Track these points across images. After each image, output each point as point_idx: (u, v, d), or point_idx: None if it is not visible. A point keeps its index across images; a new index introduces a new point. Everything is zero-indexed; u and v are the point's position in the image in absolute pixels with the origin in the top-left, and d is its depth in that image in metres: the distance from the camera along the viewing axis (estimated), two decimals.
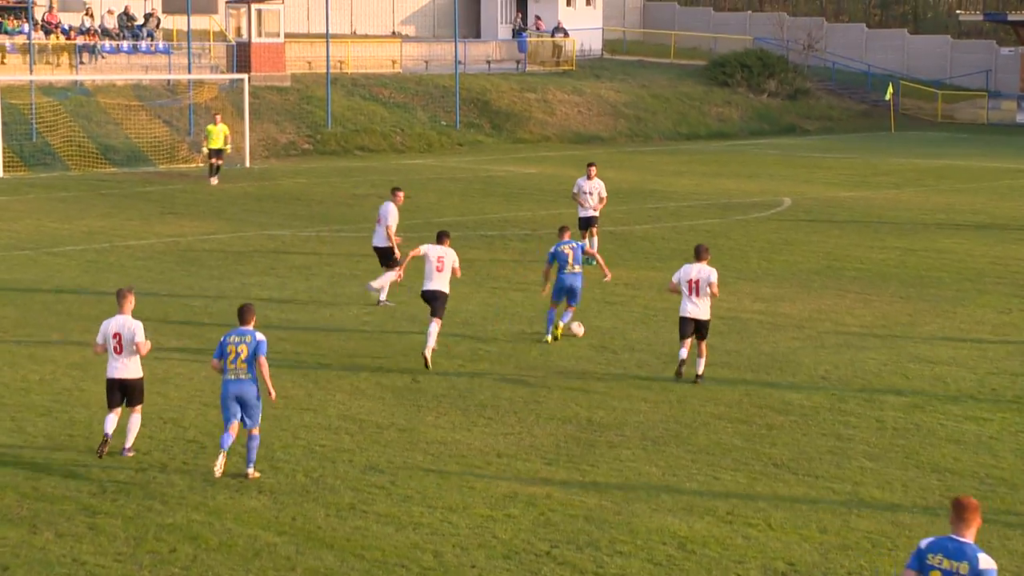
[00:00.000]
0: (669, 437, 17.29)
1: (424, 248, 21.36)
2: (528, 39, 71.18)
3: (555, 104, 64.48)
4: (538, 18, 73.38)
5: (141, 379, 16.33)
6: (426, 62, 66.75)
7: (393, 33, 73.56)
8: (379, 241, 25.50)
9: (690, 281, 19.88)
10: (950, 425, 17.84)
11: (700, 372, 19.92)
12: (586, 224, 29.93)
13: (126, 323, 16.29)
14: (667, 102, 67.94)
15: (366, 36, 70.28)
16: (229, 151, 45.40)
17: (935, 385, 19.84)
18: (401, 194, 25.94)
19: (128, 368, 16.20)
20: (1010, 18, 74.25)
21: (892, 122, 69.23)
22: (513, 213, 38.23)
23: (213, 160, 44.32)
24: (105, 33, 56.88)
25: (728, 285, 27.57)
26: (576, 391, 19.44)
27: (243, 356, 15.36)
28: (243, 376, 15.40)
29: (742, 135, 66.42)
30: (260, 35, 58.03)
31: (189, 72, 54.83)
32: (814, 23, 79.55)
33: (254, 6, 57.98)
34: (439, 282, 21.26)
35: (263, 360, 15.40)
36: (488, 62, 68.93)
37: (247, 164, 50.27)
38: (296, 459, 16.26)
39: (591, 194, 30.04)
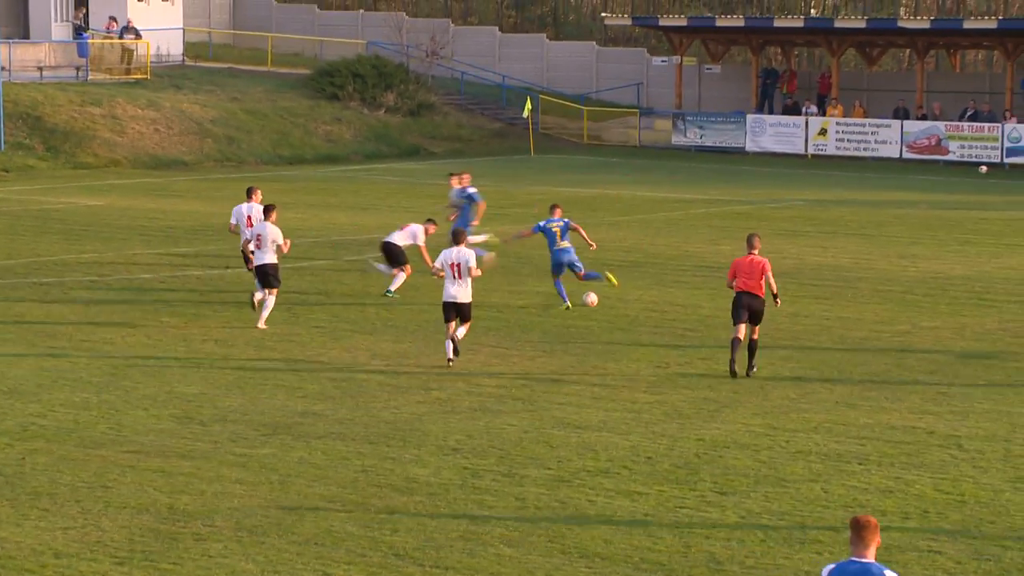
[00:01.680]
0: (270, 526, 17.29)
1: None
2: (90, 41, 70.11)
3: (126, 121, 63.72)
4: (112, 19, 72.19)
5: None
6: None
7: None
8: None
9: (452, 264, 25.63)
10: (600, 501, 18.44)
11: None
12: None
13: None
14: (264, 119, 68.04)
15: None
16: None
17: (583, 455, 20.47)
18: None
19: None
20: (662, 23, 77.51)
21: (531, 143, 71.14)
22: (75, 255, 37.56)
23: None
24: None
25: (341, 340, 27.81)
26: (154, 473, 19.23)
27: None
28: None
29: (356, 158, 67.10)
30: None
31: None
32: (438, 26, 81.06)
33: None
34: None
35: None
36: (40, 69, 67.56)
37: None
38: None
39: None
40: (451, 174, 38.45)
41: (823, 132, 69.57)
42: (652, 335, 28.83)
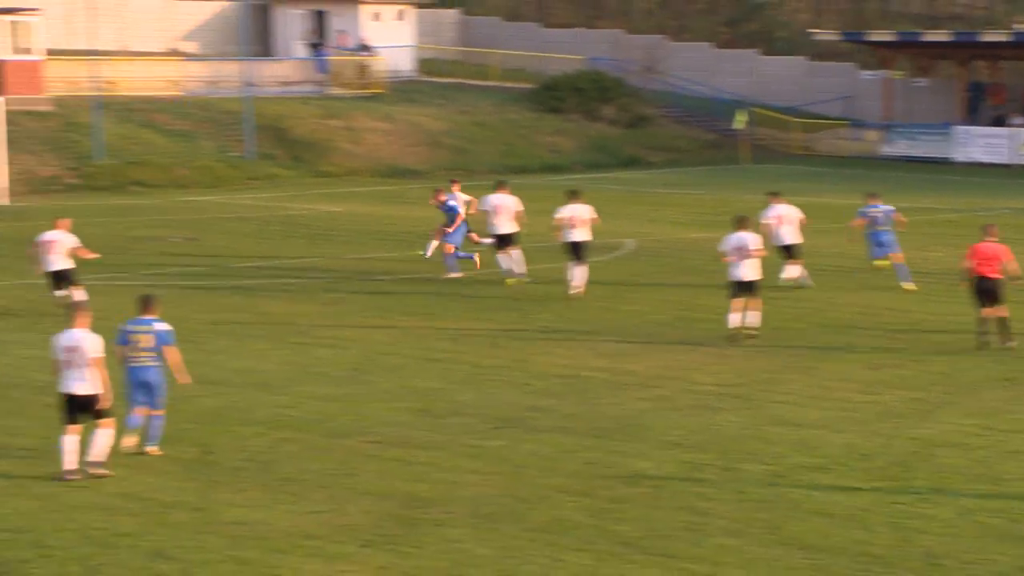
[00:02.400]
0: (503, 514, 17.40)
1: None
2: (329, 57, 71.23)
3: (363, 132, 64.63)
4: (342, 33, 73.35)
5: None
6: (212, 84, 66.42)
7: (171, 51, 73.04)
8: (507, 228, 34.13)
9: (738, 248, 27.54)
10: (817, 496, 18.26)
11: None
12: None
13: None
14: (492, 130, 68.52)
15: (140, 54, 69.67)
16: None
17: (800, 451, 20.29)
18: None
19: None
20: (870, 38, 76.43)
21: (745, 154, 70.68)
22: (317, 258, 38.19)
23: None
24: None
25: (567, 339, 27.91)
26: (395, 462, 19.47)
27: (146, 344, 19.39)
28: (148, 363, 19.44)
29: (578, 168, 67.23)
30: (13, 51, 57.15)
31: None
32: (655, 42, 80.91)
33: (5, 17, 57.14)
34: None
35: (174, 353, 19.58)
36: (284, 84, 68.84)
37: (7, 201, 49.37)
38: (69, 545, 16.02)
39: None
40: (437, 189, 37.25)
41: None
42: (864, 338, 28.44)
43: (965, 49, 73.35)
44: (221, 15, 76.20)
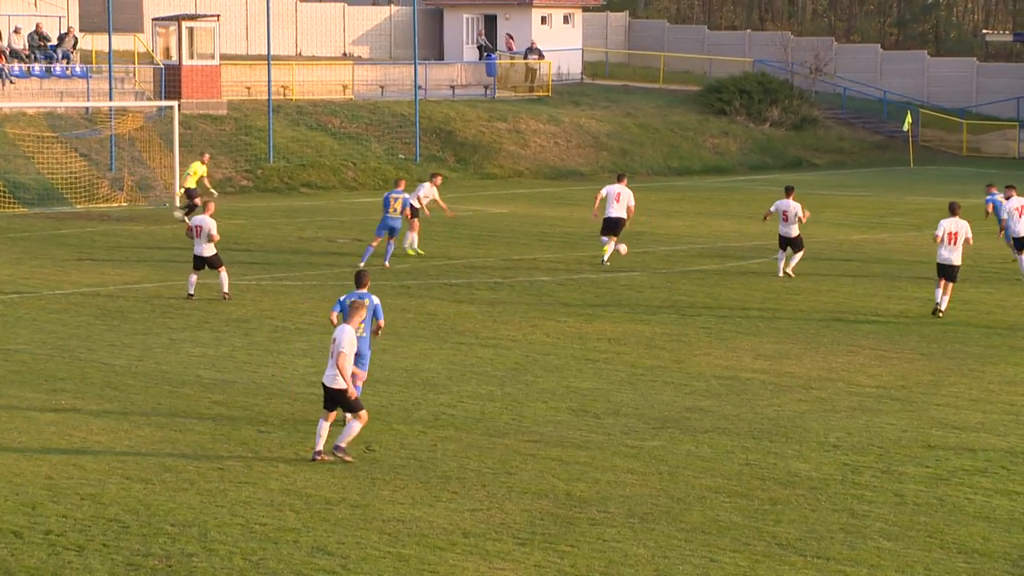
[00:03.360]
0: (659, 514, 17.33)
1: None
2: (498, 61, 71.54)
3: (528, 135, 64.80)
4: (509, 36, 73.76)
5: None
6: (382, 87, 67.06)
7: (344, 55, 73.89)
8: (618, 212, 36.09)
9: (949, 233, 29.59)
10: (979, 500, 17.94)
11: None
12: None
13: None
14: (656, 132, 68.33)
15: (313, 58, 70.59)
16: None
17: (961, 454, 19.95)
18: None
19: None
20: None
21: (911, 155, 69.75)
22: (481, 259, 38.35)
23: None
24: (14, 55, 56.84)
25: (726, 340, 27.74)
26: (553, 461, 19.48)
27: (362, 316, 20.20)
28: (360, 333, 20.30)
29: (741, 170, 66.80)
30: (192, 57, 58.22)
31: (110, 99, 54.93)
32: (822, 44, 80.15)
33: (184, 24, 58.20)
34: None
35: (381, 322, 21.08)
36: (452, 87, 69.28)
37: (177, 203, 50.28)
38: (233, 539, 16.23)
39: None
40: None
41: None
42: None
43: None
44: (393, 19, 76.91)
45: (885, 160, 70.47)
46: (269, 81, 57.92)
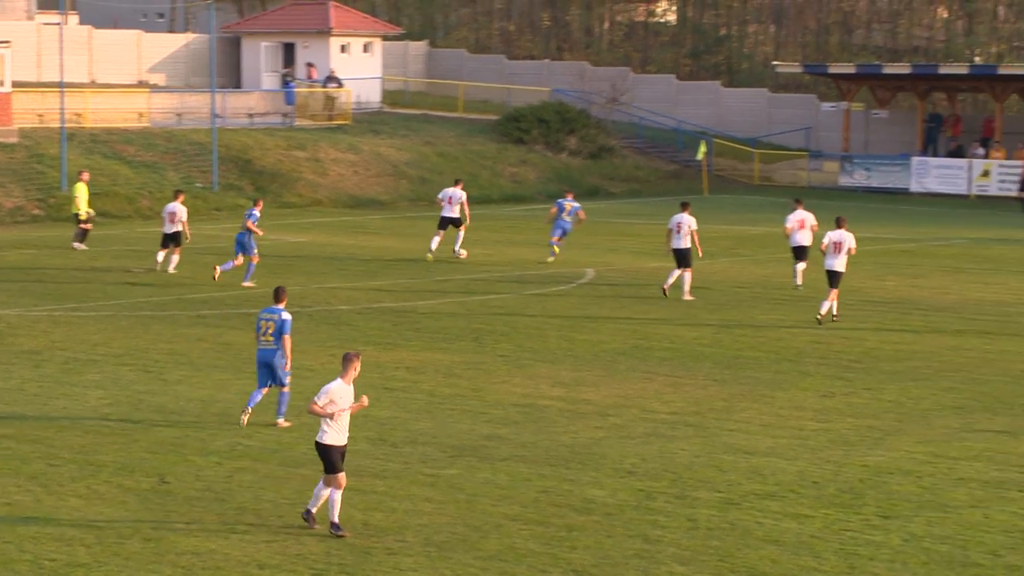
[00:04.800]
0: (456, 542, 17.36)
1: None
2: (296, 89, 71.23)
3: (328, 163, 64.58)
4: (310, 65, 73.51)
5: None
6: (178, 115, 66.32)
7: (140, 83, 72.96)
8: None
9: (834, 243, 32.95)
10: (768, 523, 18.27)
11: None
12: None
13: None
14: (455, 161, 68.54)
15: (108, 86, 69.55)
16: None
17: (752, 479, 20.30)
18: None
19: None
20: (831, 70, 76.76)
21: (705, 184, 70.86)
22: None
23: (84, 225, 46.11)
24: None
25: (524, 368, 27.91)
26: (350, 491, 19.39)
27: (271, 330, 22.46)
28: (269, 346, 22.50)
29: (540, 198, 67.26)
30: None
31: None
32: (619, 74, 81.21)
33: None
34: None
35: (286, 338, 22.49)
36: (251, 115, 68.78)
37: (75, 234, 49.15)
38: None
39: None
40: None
41: (986, 174, 68.40)
42: (818, 366, 28.52)
43: (924, 81, 73.78)
44: (190, 47, 76.19)
45: (680, 189, 71.45)
46: (62, 108, 56.94)
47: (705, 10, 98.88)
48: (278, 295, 22.96)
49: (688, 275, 36.53)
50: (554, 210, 43.87)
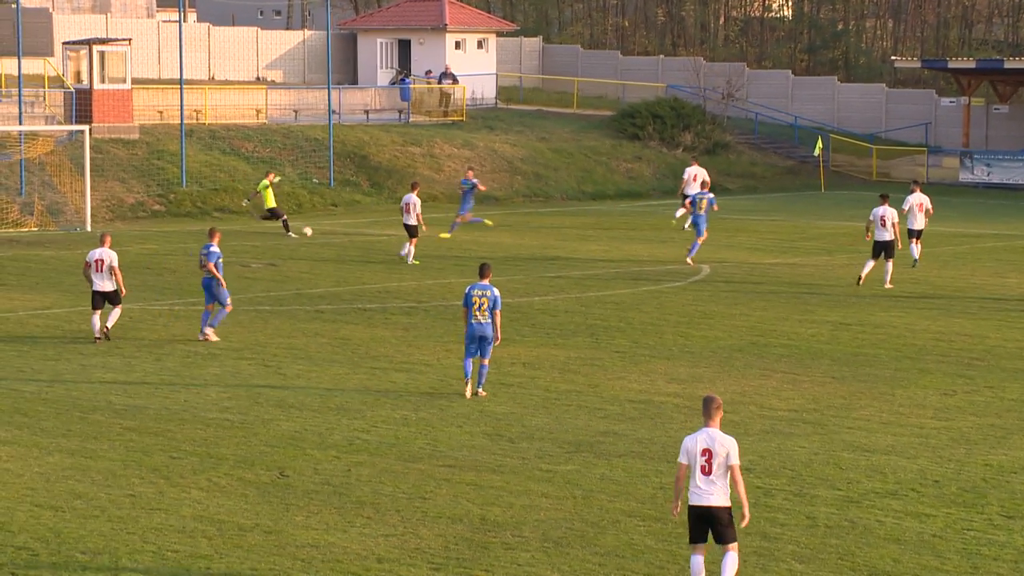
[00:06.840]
0: (573, 538, 17.35)
1: None
2: (412, 86, 71.58)
3: (443, 159, 64.80)
4: (428, 73, 73.89)
5: None
6: (295, 112, 66.86)
7: (257, 79, 73.64)
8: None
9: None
10: (889, 522, 18.09)
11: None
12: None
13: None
14: (570, 157, 68.54)
15: (226, 82, 70.29)
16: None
17: (872, 477, 20.11)
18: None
19: None
20: (951, 65, 75.87)
21: (822, 180, 70.33)
22: (395, 283, 38.29)
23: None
24: None
25: (640, 364, 27.84)
26: (468, 485, 19.47)
27: (485, 306, 23.95)
28: (483, 320, 24.02)
29: (655, 194, 67.11)
30: (103, 80, 57.79)
31: (20, 123, 54.41)
32: (734, 69, 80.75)
33: (96, 47, 57.77)
34: None
35: (498, 313, 24.04)
36: (366, 112, 69.20)
37: (88, 228, 49.89)
38: (145, 567, 16.10)
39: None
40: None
41: None
42: (939, 363, 28.19)
43: None
44: (307, 44, 76.77)
45: (796, 185, 71.04)
46: (181, 105, 57.60)
47: (822, 5, 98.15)
48: (483, 271, 24.55)
49: (890, 265, 37.54)
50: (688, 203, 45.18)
